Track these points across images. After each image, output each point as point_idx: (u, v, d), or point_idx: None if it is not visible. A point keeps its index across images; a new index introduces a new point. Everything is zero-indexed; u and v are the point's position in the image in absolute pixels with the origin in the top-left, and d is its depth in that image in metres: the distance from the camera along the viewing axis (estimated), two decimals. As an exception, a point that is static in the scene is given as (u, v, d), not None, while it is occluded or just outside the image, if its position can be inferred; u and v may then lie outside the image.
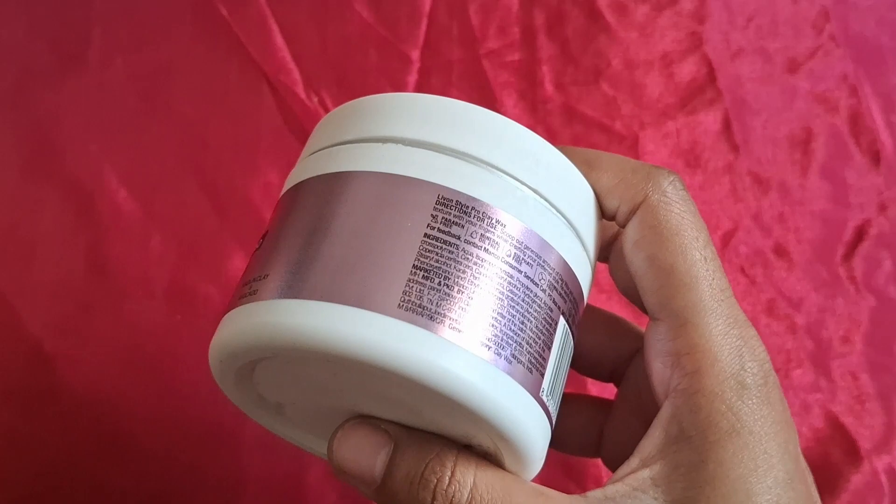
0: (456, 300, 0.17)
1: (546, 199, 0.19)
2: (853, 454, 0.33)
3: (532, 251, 0.18)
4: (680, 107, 0.40)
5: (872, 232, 0.38)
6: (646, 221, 0.19)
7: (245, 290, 0.19)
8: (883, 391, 0.34)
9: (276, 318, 0.17)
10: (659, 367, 0.19)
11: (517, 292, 0.18)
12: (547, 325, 0.19)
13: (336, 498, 0.32)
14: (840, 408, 0.34)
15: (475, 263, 0.18)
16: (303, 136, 0.38)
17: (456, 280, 0.17)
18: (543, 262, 0.19)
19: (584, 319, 0.23)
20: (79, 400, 0.33)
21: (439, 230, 0.18)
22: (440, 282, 0.17)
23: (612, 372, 0.25)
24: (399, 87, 0.40)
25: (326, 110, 0.39)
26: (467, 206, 0.18)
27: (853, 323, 0.36)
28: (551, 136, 0.39)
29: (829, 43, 0.42)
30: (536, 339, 0.18)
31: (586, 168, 0.20)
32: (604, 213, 0.21)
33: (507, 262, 0.18)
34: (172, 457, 0.32)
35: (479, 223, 0.18)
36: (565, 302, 0.19)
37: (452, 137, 0.19)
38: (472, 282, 0.18)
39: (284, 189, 0.21)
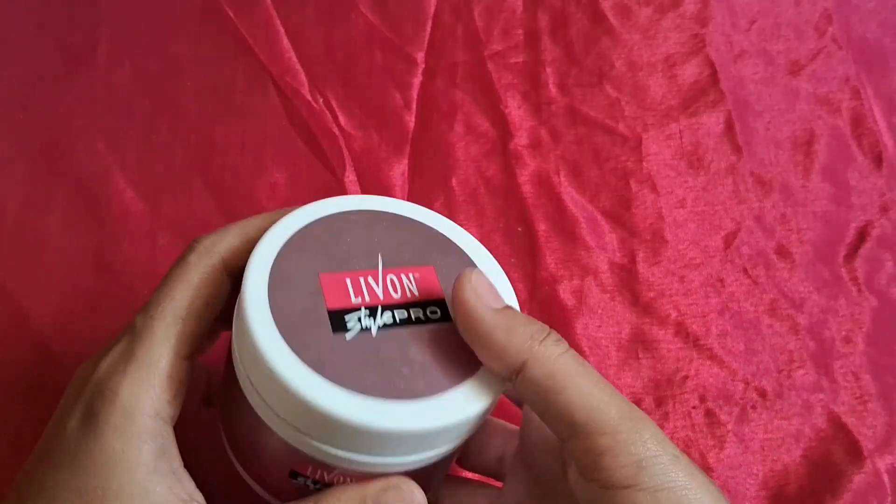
0: None
1: None
2: (855, 454, 0.33)
3: None
4: (683, 108, 0.40)
5: (874, 233, 0.38)
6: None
7: None
8: (885, 391, 0.34)
9: None
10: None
11: None
12: None
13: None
14: (842, 408, 0.34)
15: None
16: (308, 136, 0.39)
17: None
18: None
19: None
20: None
21: None
22: None
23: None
24: (404, 88, 0.40)
25: (331, 111, 0.39)
26: None
27: (855, 323, 0.36)
28: (555, 138, 0.39)
29: (831, 45, 0.42)
30: None
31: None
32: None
33: None
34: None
35: None
36: None
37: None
38: None
39: None
